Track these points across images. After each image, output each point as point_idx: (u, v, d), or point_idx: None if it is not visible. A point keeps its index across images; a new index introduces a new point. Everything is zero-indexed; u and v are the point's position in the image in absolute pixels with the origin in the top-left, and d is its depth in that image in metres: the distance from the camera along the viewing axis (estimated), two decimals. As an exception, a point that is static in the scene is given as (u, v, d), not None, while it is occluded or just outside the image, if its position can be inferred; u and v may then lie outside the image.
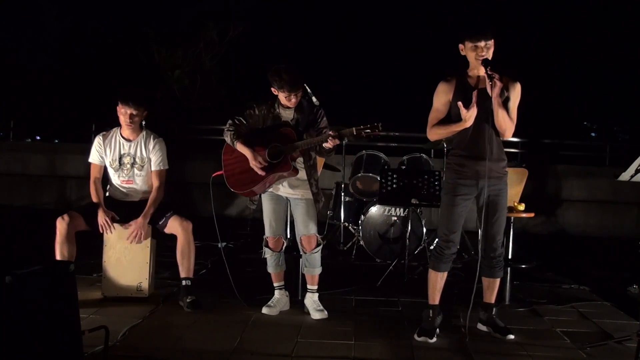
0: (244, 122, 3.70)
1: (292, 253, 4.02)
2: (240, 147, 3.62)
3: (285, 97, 3.60)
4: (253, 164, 3.58)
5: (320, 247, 3.81)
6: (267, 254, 3.83)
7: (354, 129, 3.43)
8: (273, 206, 3.77)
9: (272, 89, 3.64)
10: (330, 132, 3.46)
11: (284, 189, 3.73)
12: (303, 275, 3.99)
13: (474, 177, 3.34)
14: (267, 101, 3.72)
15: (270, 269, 3.86)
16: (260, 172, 3.58)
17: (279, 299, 3.83)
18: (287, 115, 3.68)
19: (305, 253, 3.79)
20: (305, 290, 3.91)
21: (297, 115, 3.67)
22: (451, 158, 3.44)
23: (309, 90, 3.75)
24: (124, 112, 3.90)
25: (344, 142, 3.45)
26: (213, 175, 3.92)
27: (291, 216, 3.91)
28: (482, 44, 3.21)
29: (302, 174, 3.69)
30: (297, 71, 3.59)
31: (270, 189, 3.74)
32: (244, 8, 13.39)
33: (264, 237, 3.82)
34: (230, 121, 3.71)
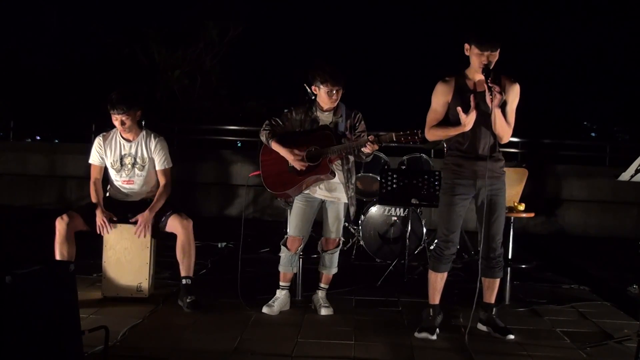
0: (281, 123, 3.72)
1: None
2: (276, 146, 3.64)
3: (327, 92, 3.59)
4: (292, 159, 3.59)
5: (339, 247, 3.83)
6: (283, 252, 3.83)
7: (393, 134, 3.40)
8: (304, 208, 3.76)
9: (313, 88, 3.66)
10: (370, 137, 3.44)
11: (321, 192, 3.72)
12: (303, 275, 3.99)
13: (471, 177, 3.34)
14: (304, 104, 3.74)
15: (282, 267, 3.85)
16: (300, 167, 3.58)
17: (280, 299, 3.83)
18: (326, 118, 3.69)
19: (324, 252, 3.81)
20: (306, 289, 3.91)
21: (336, 119, 3.68)
22: (448, 158, 3.44)
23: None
24: (114, 119, 3.91)
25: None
26: (250, 175, 3.96)
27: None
28: (487, 53, 3.21)
29: (340, 177, 3.69)
30: (339, 68, 3.61)
31: (307, 191, 3.73)
32: (244, 8, 13.40)
33: (286, 235, 3.84)
34: (267, 121, 3.74)
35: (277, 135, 3.66)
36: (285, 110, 3.76)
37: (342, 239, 3.87)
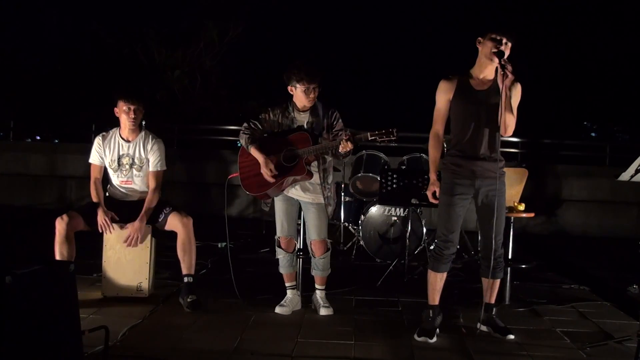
0: (259, 126, 3.71)
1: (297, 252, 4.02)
2: (254, 152, 3.63)
3: (304, 91, 3.58)
4: (264, 170, 3.59)
5: (329, 252, 3.82)
6: (280, 254, 3.83)
7: (368, 133, 3.40)
8: (285, 207, 3.77)
9: (290, 88, 3.64)
10: (344, 136, 3.43)
11: (295, 192, 3.73)
12: (303, 275, 4.00)
13: (470, 177, 3.34)
14: (281, 105, 3.73)
15: (283, 269, 3.86)
16: (269, 179, 3.59)
17: (292, 299, 3.83)
18: (302, 118, 3.68)
19: (314, 257, 3.79)
20: (306, 289, 3.93)
21: (313, 119, 3.67)
22: (448, 158, 3.44)
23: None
24: (126, 109, 3.89)
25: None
26: (229, 177, 3.97)
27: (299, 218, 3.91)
28: (504, 40, 3.20)
29: (315, 178, 3.68)
30: (314, 66, 3.59)
31: (283, 192, 3.74)
32: (244, 8, 13.40)
33: (276, 237, 3.83)
34: (245, 124, 3.73)
35: (257, 140, 3.65)
36: (263, 114, 3.74)
37: (330, 240, 3.84)
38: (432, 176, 3.45)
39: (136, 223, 3.85)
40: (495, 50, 3.18)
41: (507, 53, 3.21)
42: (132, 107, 3.87)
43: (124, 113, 3.91)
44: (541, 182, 8.58)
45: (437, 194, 3.41)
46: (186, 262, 3.89)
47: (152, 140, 4.02)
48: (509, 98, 3.20)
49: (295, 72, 3.56)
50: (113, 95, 3.99)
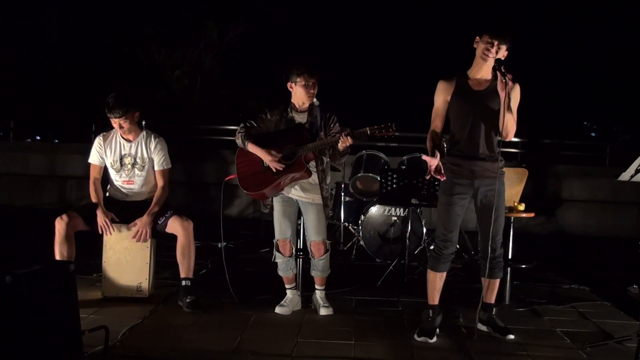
0: (255, 125, 3.71)
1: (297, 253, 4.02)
2: (252, 148, 3.63)
3: (304, 86, 3.59)
4: (269, 159, 3.58)
5: (329, 252, 3.81)
6: (278, 258, 3.83)
7: (367, 129, 3.41)
8: (283, 208, 3.76)
9: (289, 85, 3.65)
10: (343, 132, 3.43)
11: (295, 192, 3.72)
12: (303, 275, 4.00)
13: (469, 177, 3.34)
14: (279, 106, 3.73)
15: (281, 272, 3.86)
16: (275, 168, 3.57)
17: (292, 299, 3.84)
18: (300, 119, 3.68)
19: (314, 258, 3.79)
20: (306, 289, 3.94)
21: (310, 119, 3.67)
22: (447, 157, 3.43)
23: None
24: (113, 123, 3.92)
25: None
26: (226, 179, 3.96)
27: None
28: (496, 43, 3.20)
29: (314, 178, 3.68)
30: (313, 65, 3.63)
31: (282, 192, 3.73)
32: (244, 8, 13.41)
33: (274, 240, 3.83)
34: (242, 124, 3.73)
35: (253, 136, 3.66)
36: (261, 115, 3.74)
37: (329, 241, 3.84)
38: (432, 153, 3.23)
39: (144, 218, 3.86)
40: (484, 55, 3.20)
41: (501, 56, 3.22)
42: (116, 122, 3.88)
43: (113, 124, 3.92)
44: (541, 182, 8.59)
45: (441, 168, 3.20)
46: (185, 265, 3.89)
47: (154, 139, 4.02)
48: (509, 105, 3.21)
49: (296, 66, 3.59)
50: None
